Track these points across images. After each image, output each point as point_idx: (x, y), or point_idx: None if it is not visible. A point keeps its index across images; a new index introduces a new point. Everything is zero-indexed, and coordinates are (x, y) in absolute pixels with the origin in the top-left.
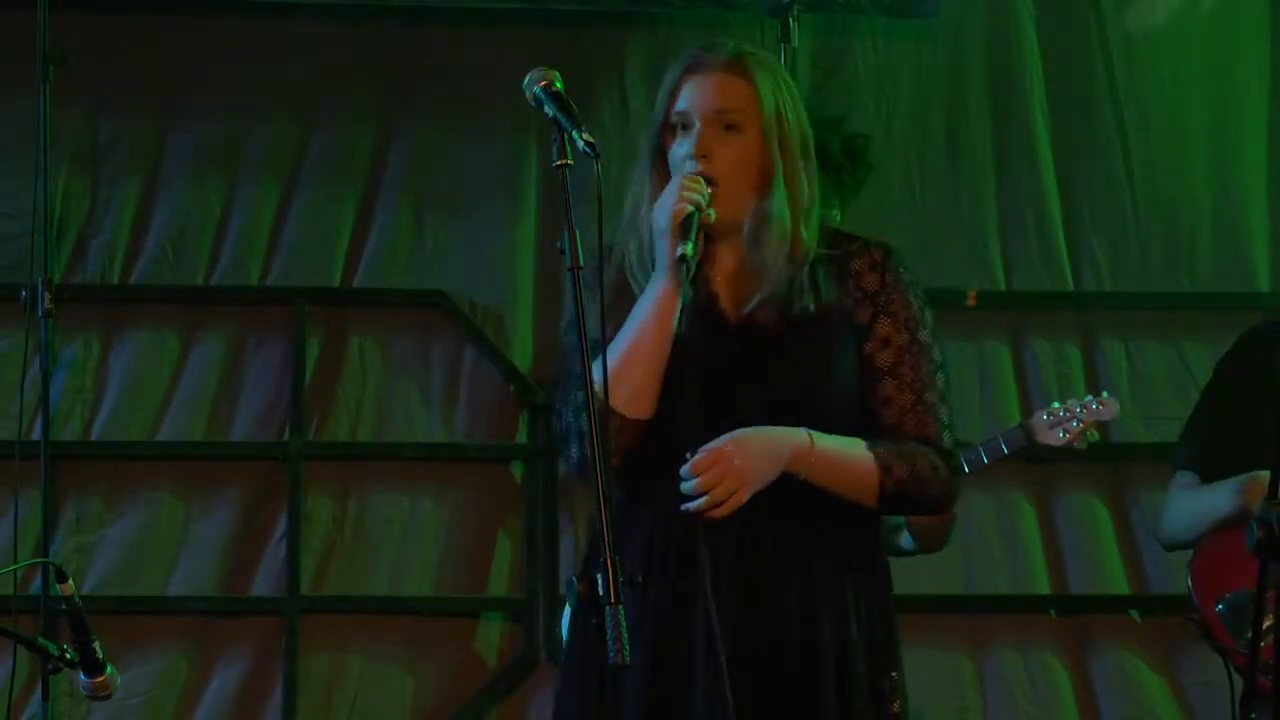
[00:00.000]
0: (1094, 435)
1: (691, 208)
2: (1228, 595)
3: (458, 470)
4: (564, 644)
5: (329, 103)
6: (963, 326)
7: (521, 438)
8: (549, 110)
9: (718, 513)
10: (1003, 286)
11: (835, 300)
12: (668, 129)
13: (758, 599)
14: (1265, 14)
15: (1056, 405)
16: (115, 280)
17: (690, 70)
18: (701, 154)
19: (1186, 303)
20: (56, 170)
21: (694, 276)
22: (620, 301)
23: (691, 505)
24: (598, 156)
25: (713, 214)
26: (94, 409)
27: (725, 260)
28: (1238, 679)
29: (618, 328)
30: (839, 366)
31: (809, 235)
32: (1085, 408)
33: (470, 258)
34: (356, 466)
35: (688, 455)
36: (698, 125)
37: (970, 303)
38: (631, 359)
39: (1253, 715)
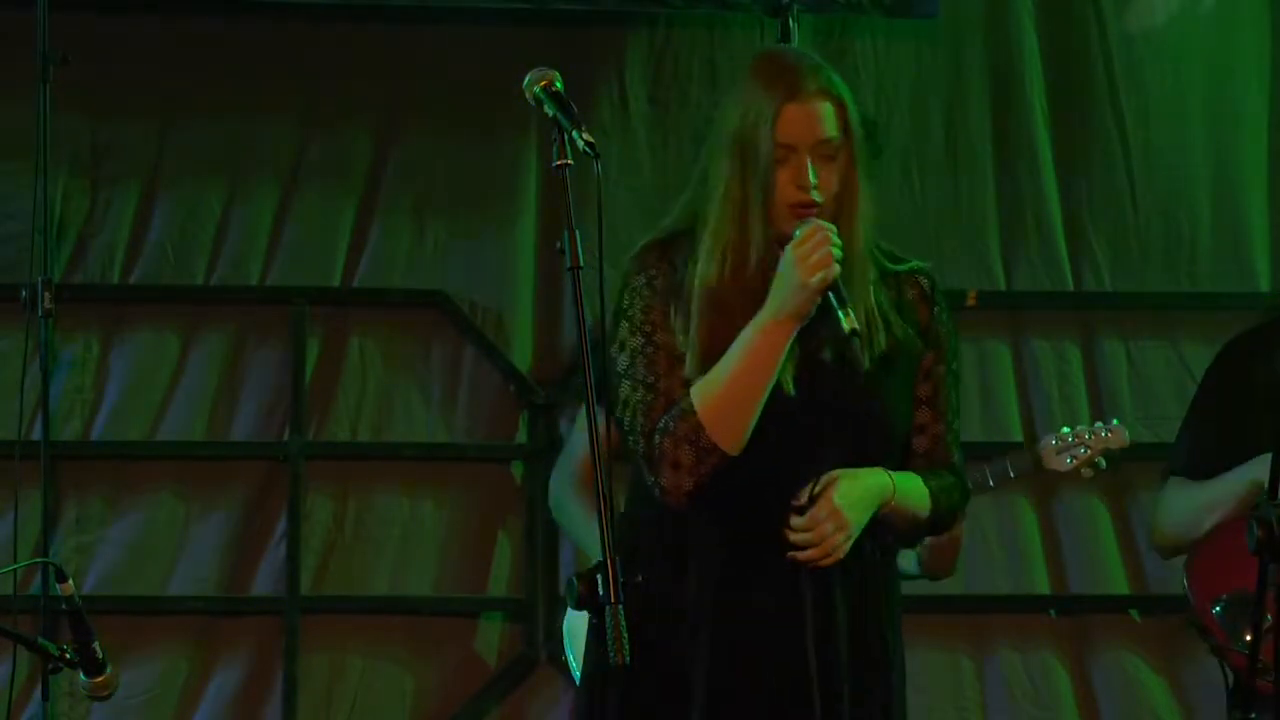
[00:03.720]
0: (1102, 463)
1: (838, 268)
2: (1224, 596)
3: (458, 470)
4: (567, 651)
5: (329, 103)
6: (963, 326)
7: (521, 438)
8: (549, 110)
9: (826, 562)
10: (1003, 286)
11: (901, 335)
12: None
13: (842, 636)
14: (1265, 14)
15: (1065, 430)
16: (115, 280)
17: (791, 98)
18: (815, 186)
19: (1186, 303)
20: (56, 170)
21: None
22: (674, 302)
23: (802, 555)
24: (598, 156)
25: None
26: (94, 409)
27: None
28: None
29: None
30: (905, 404)
31: (872, 254)
32: (1095, 435)
33: (470, 258)
34: (356, 466)
35: (794, 501)
36: (803, 156)
37: (970, 303)
38: (740, 399)
39: (1253, 715)
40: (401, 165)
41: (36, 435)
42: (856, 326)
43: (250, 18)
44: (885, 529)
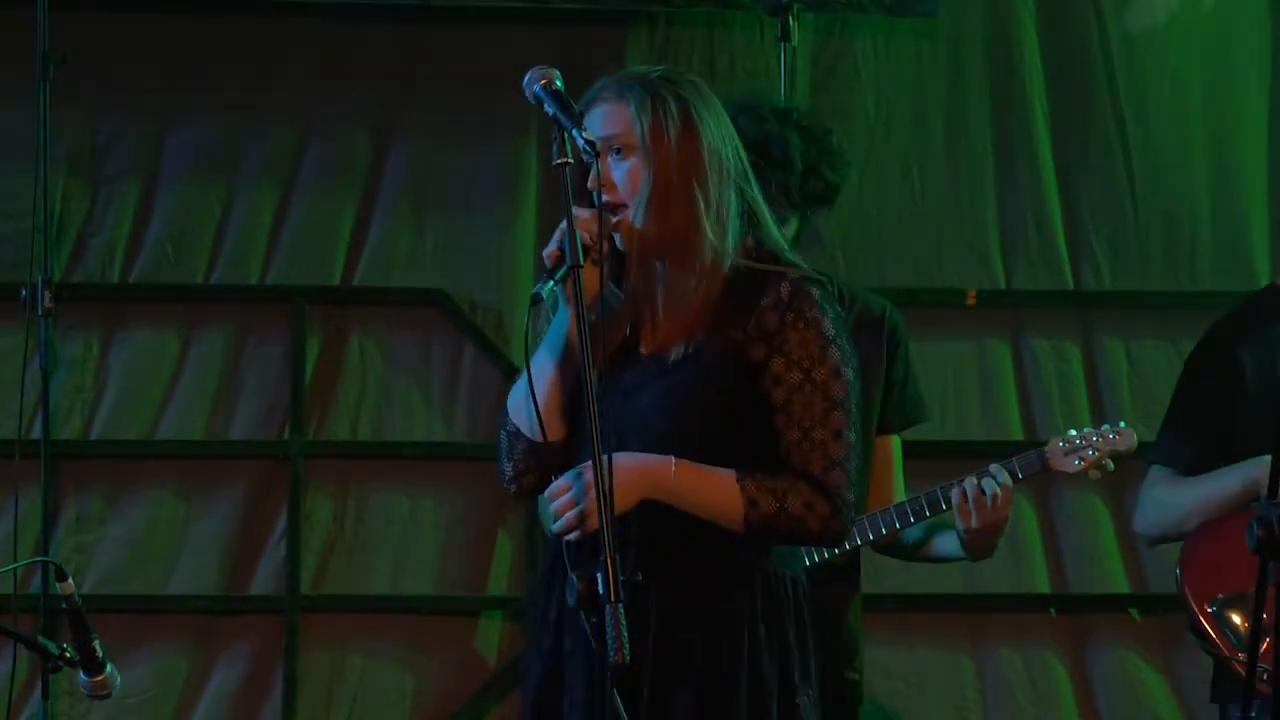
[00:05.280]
0: (1109, 465)
1: (553, 250)
2: (1220, 597)
3: (458, 470)
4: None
5: (329, 102)
6: (963, 326)
7: None
8: (549, 109)
9: (570, 537)
10: (1003, 286)
11: (731, 335)
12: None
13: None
14: (1265, 14)
15: (1073, 433)
16: (115, 279)
17: (589, 105)
18: (601, 185)
19: (1186, 303)
20: (56, 170)
21: (616, 307)
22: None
23: (556, 527)
24: (598, 155)
25: (571, 259)
26: (94, 408)
27: (641, 288)
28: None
29: None
30: (722, 401)
31: (710, 256)
32: (1102, 437)
33: (470, 257)
34: (356, 466)
35: (552, 478)
36: (601, 157)
37: (970, 302)
38: (534, 382)
39: (1252, 715)
40: (401, 165)
41: (36, 434)
42: (539, 291)
43: (250, 18)
44: (703, 526)
